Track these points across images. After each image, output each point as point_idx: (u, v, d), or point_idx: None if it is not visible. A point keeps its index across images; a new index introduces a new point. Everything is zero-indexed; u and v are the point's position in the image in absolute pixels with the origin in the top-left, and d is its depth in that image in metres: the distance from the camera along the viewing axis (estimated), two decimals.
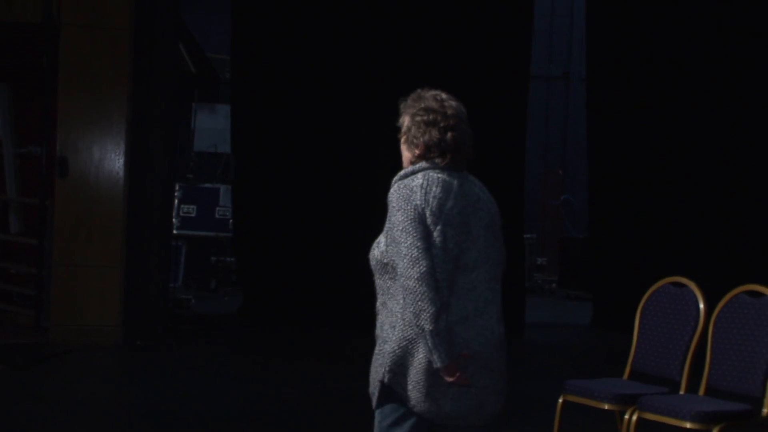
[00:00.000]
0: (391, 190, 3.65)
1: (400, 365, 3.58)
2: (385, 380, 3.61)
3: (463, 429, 3.68)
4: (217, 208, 14.02)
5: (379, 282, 3.72)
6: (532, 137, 13.12)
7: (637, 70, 11.89)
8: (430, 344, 3.48)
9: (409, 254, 3.50)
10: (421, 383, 3.55)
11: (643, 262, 11.38)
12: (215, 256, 14.39)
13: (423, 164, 3.68)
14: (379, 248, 3.69)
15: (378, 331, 3.71)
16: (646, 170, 11.88)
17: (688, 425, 4.92)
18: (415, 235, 3.51)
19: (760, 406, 5.01)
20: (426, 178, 3.62)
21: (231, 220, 13.22)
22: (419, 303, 3.48)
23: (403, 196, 3.59)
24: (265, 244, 11.61)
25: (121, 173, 9.56)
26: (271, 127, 11.58)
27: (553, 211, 18.01)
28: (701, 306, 5.39)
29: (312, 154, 11.50)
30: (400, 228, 3.54)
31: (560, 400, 5.52)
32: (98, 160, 9.54)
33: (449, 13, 11.58)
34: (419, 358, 3.54)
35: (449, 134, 3.71)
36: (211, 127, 15.22)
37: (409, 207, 3.55)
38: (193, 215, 13.96)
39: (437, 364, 3.49)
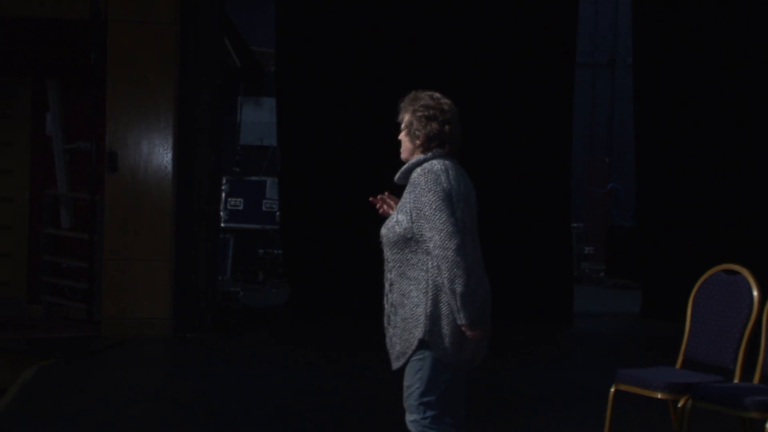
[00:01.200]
0: (415, 175, 4.24)
1: (434, 324, 4.16)
2: (426, 338, 4.16)
3: (464, 371, 4.35)
4: (264, 201, 14.08)
5: (397, 255, 4.29)
6: (577, 125, 13.02)
7: (684, 56, 11.77)
8: (459, 304, 4.09)
9: (446, 229, 4.10)
10: (454, 336, 4.16)
11: (691, 250, 11.27)
12: (262, 249, 14.46)
13: (431, 153, 4.31)
14: (400, 225, 4.25)
15: (396, 299, 4.29)
16: (694, 157, 11.76)
17: (744, 414, 4.87)
18: (447, 212, 4.13)
19: None
20: (443, 164, 4.24)
21: (278, 213, 13.27)
22: (455, 270, 4.08)
23: (431, 179, 4.19)
24: (311, 237, 11.64)
25: (170, 167, 9.63)
26: (316, 119, 11.60)
27: (599, 199, 17.89)
28: (755, 293, 5.33)
29: (357, 145, 11.51)
30: (434, 207, 4.14)
31: (612, 390, 5.48)
32: (147, 155, 9.61)
33: (495, 2, 11.53)
34: (449, 315, 4.15)
35: (447, 127, 4.36)
36: (257, 121, 15.28)
37: (438, 188, 4.15)
38: (240, 208, 14.03)
39: (462, 321, 4.10)
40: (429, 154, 4.32)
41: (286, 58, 11.81)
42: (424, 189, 4.18)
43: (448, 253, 4.10)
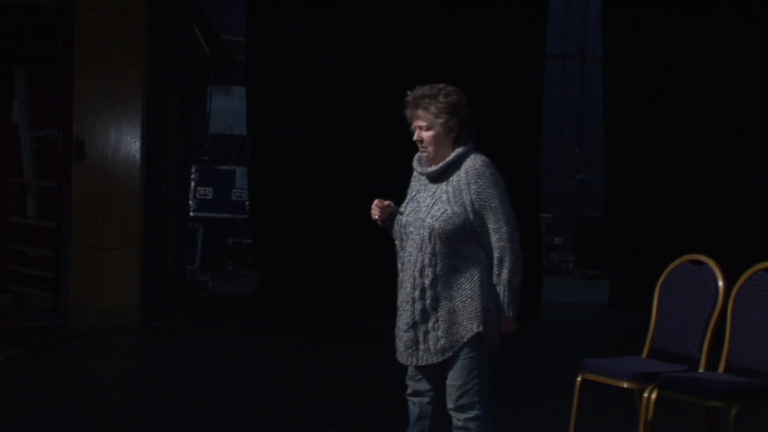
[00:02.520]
0: (476, 166, 4.27)
1: (487, 317, 4.26)
2: (483, 330, 4.24)
3: None
4: (234, 190, 14.04)
5: (448, 248, 4.26)
6: (547, 116, 13.06)
7: (654, 47, 11.82)
8: (511, 297, 4.28)
9: (512, 222, 4.28)
10: (497, 328, 4.32)
11: (659, 241, 11.34)
12: (232, 238, 14.42)
13: (470, 144, 4.35)
14: (459, 218, 4.24)
15: (441, 292, 4.26)
16: (663, 148, 11.82)
17: (710, 403, 4.90)
18: (510, 206, 4.30)
19: None
20: (484, 159, 4.33)
21: (247, 202, 13.24)
22: (517, 263, 4.28)
23: (493, 172, 4.30)
24: (281, 226, 11.62)
25: (138, 156, 9.57)
26: (287, 108, 11.57)
27: (569, 190, 17.96)
28: (720, 283, 5.36)
29: (328, 135, 11.49)
30: (501, 199, 4.27)
31: (579, 379, 5.51)
32: (115, 143, 9.55)
33: None
34: (495, 308, 4.28)
35: (468, 110, 4.39)
36: (227, 109, 15.22)
37: (500, 181, 4.30)
38: (209, 197, 13.99)
39: (511, 314, 4.29)
40: (469, 145, 4.35)
41: (256, 46, 11.77)
42: (490, 181, 4.26)
43: (514, 245, 4.26)
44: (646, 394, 5.17)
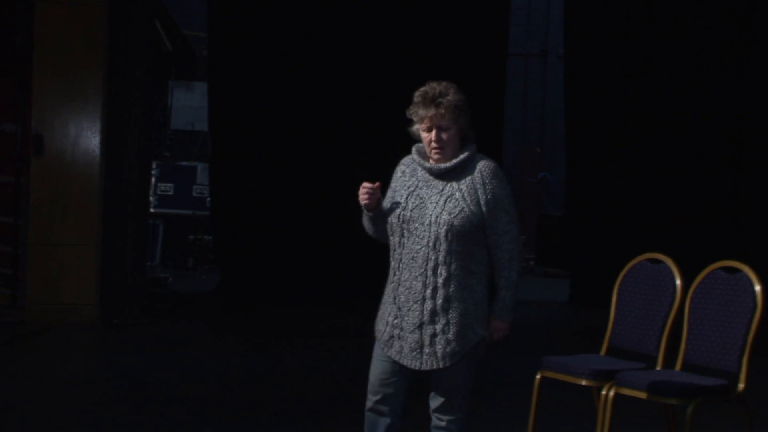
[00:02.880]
0: (490, 167, 4.22)
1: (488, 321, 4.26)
2: (486, 335, 4.24)
3: None
4: (195, 187, 13.95)
5: (462, 248, 4.16)
6: (510, 115, 13.11)
7: (615, 47, 11.90)
8: (513, 300, 4.25)
9: (517, 224, 4.25)
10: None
11: (620, 239, 11.42)
12: (193, 235, 14.33)
13: (473, 146, 4.27)
14: (476, 217, 4.16)
15: (454, 293, 4.15)
16: (624, 148, 11.91)
17: (665, 400, 4.94)
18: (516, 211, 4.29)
19: (736, 381, 5.03)
20: (492, 160, 4.28)
21: (208, 199, 13.17)
22: (521, 267, 4.26)
23: (502, 173, 4.26)
24: (242, 223, 11.58)
25: (97, 151, 9.49)
26: (249, 104, 11.52)
27: (530, 188, 18.03)
28: (678, 282, 5.40)
29: (290, 131, 11.47)
30: (510, 201, 4.25)
31: (538, 377, 5.52)
32: (74, 138, 9.47)
33: None
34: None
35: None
36: (188, 105, 15.13)
37: (509, 185, 4.27)
38: (170, 193, 13.89)
39: (509, 318, 4.26)
40: (473, 147, 4.29)
41: (218, 42, 11.71)
42: (503, 182, 4.23)
43: (519, 247, 4.25)
44: (604, 392, 5.20)
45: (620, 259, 6.14)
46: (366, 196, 4.22)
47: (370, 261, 10.98)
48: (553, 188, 18.26)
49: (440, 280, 4.14)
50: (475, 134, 4.31)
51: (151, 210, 12.91)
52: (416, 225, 4.20)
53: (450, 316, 4.14)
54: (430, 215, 4.17)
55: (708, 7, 11.70)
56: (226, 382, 7.36)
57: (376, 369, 4.38)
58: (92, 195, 9.48)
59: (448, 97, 4.21)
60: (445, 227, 4.14)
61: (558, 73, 15.36)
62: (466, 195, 4.18)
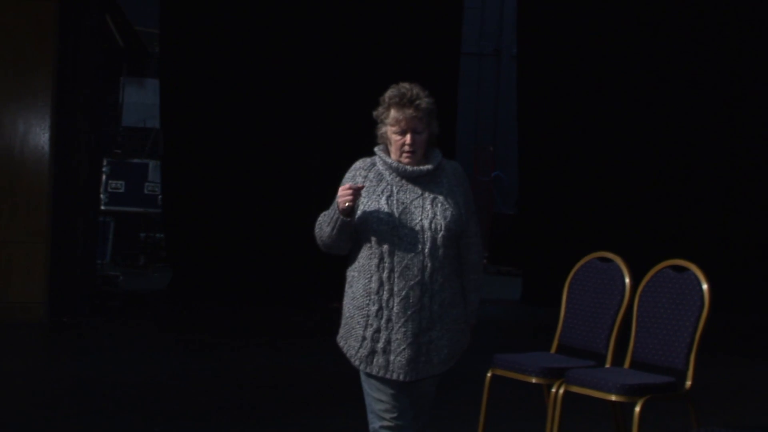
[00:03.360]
0: (459, 171, 4.18)
1: None
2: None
3: None
4: (146, 184, 13.86)
5: (451, 252, 4.07)
6: (463, 114, 13.15)
7: (567, 47, 11.99)
8: (477, 305, 4.24)
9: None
10: None
11: (571, 238, 11.50)
12: (144, 232, 14.24)
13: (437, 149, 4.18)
14: (462, 220, 4.08)
15: (448, 298, 4.04)
16: (575, 147, 12.01)
17: (613, 398, 4.98)
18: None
19: (684, 378, 5.09)
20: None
21: (160, 196, 13.09)
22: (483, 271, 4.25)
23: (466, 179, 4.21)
24: (194, 220, 11.51)
25: (47, 148, 9.39)
26: (201, 101, 11.45)
27: (483, 187, 18.10)
28: (627, 281, 5.45)
29: (242, 128, 11.41)
30: (473, 203, 4.19)
31: (489, 375, 5.55)
32: (23, 135, 9.36)
33: None
34: None
35: None
36: (140, 102, 15.03)
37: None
38: (121, 191, 13.79)
39: (475, 321, 4.26)
40: (438, 150, 4.18)
41: (170, 38, 11.63)
42: (468, 186, 4.19)
43: (481, 251, 4.26)
44: (553, 390, 5.24)
45: (571, 257, 6.18)
46: (350, 197, 3.93)
47: (324, 259, 11.03)
48: (506, 187, 18.36)
49: (436, 287, 3.99)
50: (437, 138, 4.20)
51: (102, 207, 12.80)
52: (407, 231, 3.97)
53: (444, 322, 4.04)
54: (422, 220, 3.98)
55: (658, 6, 11.83)
56: (177, 381, 7.31)
57: (373, 392, 4.09)
58: (42, 192, 9.38)
59: (424, 100, 4.07)
60: (442, 232, 3.99)
61: (511, 72, 15.44)
62: (449, 198, 4.06)
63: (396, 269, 3.96)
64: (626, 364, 5.35)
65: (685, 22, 11.84)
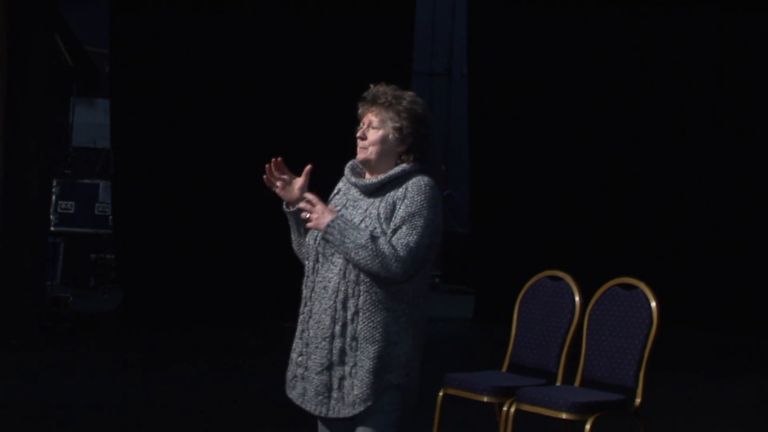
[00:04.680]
0: (421, 183, 3.69)
1: (412, 367, 3.76)
2: (403, 383, 3.70)
3: None
4: (97, 204, 13.74)
5: (372, 278, 3.67)
6: None
7: (518, 66, 12.10)
8: (344, 239, 3.64)
9: (417, 252, 3.60)
10: (418, 377, 3.79)
11: (522, 256, 11.57)
12: (95, 253, 14.10)
13: (416, 165, 3.76)
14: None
15: (362, 331, 3.63)
16: (526, 165, 12.11)
17: (564, 416, 5.02)
18: (431, 240, 3.65)
19: (633, 396, 5.14)
20: (431, 181, 3.75)
21: (111, 217, 12.99)
22: (372, 266, 3.62)
23: (436, 196, 3.71)
24: (145, 241, 11.43)
25: None
26: (152, 121, 11.40)
27: None
28: (577, 299, 5.51)
29: (193, 148, 11.37)
30: (427, 224, 3.63)
31: (440, 394, 5.57)
32: None
33: (331, 9, 11.58)
34: (418, 356, 3.79)
35: (428, 133, 3.84)
36: (90, 122, 14.90)
37: (438, 209, 3.71)
38: (71, 211, 13.66)
39: (328, 230, 3.68)
40: (416, 165, 3.75)
41: (120, 58, 11.56)
42: (427, 201, 3.66)
43: (395, 267, 3.58)
44: (505, 408, 5.27)
45: (523, 275, 6.23)
46: (272, 178, 3.77)
47: (276, 279, 10.99)
48: (457, 205, 18.40)
49: (349, 315, 3.62)
50: (423, 154, 3.82)
51: (52, 228, 12.67)
52: (332, 250, 3.67)
53: (358, 358, 3.60)
54: None
55: (609, 25, 11.99)
56: (127, 403, 7.25)
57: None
58: None
59: (394, 98, 3.74)
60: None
61: (462, 91, 15.49)
62: (382, 215, 3.66)
63: (316, 290, 3.70)
64: (577, 382, 5.40)
65: (642, 40, 12.00)
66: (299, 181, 3.82)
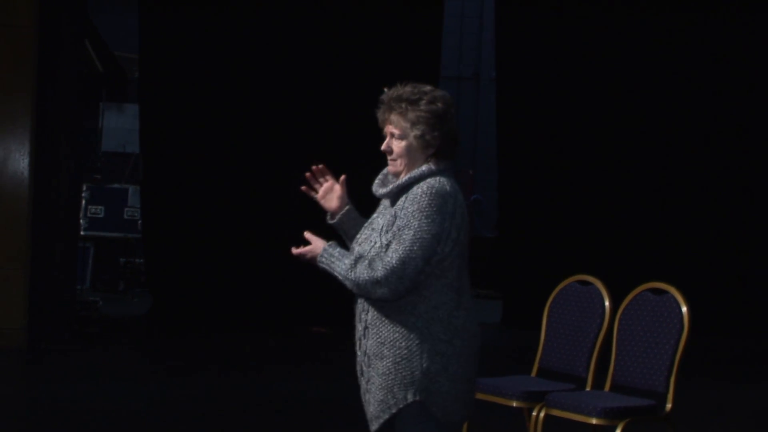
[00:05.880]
0: (420, 191, 3.48)
1: (432, 382, 3.53)
2: (421, 398, 3.51)
3: None
4: (126, 209, 13.82)
5: None
6: None
7: (546, 71, 12.05)
8: (333, 267, 3.55)
9: (406, 266, 3.42)
10: (456, 391, 3.57)
11: (551, 261, 11.51)
12: (124, 258, 14.18)
13: (439, 166, 3.55)
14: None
15: (372, 348, 3.55)
16: (554, 170, 12.05)
17: (594, 421, 4.99)
18: (424, 252, 3.43)
19: (664, 401, 5.10)
20: (450, 184, 3.54)
21: (140, 221, 13.05)
22: (358, 283, 3.49)
23: (435, 204, 3.46)
24: (174, 246, 11.47)
25: (26, 173, 9.36)
26: (180, 126, 11.44)
27: None
28: (606, 303, 5.47)
29: (222, 153, 11.41)
30: (418, 236, 3.43)
31: None
32: (2, 160, 9.33)
33: (360, 14, 11.59)
34: (448, 368, 3.55)
35: (454, 122, 3.61)
36: (119, 127, 15.00)
37: (437, 220, 3.46)
38: (101, 216, 13.74)
39: (324, 261, 3.59)
40: (440, 165, 3.55)
41: (149, 63, 11.63)
42: (425, 210, 3.46)
43: (382, 281, 3.43)
44: (534, 413, 5.24)
45: (552, 280, 6.20)
46: (314, 184, 3.69)
47: (305, 285, 11.01)
48: (485, 210, 18.39)
49: (361, 330, 3.59)
50: (452, 151, 3.63)
51: (82, 233, 12.75)
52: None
53: (371, 374, 3.55)
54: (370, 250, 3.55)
55: (638, 29, 11.92)
56: (156, 408, 7.27)
57: None
58: (21, 218, 9.34)
59: (409, 103, 3.56)
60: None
61: (490, 95, 15.51)
62: (384, 227, 3.54)
63: (356, 298, 3.66)
64: (606, 387, 5.36)
65: (665, 47, 11.92)
66: (338, 191, 3.73)
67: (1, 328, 9.22)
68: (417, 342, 3.47)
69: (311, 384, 8.18)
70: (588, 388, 5.39)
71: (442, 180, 3.53)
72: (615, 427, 4.91)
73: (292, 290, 11.09)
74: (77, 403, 7.28)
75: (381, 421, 3.53)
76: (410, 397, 3.48)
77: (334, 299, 9.95)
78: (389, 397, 3.50)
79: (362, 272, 3.46)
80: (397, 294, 3.45)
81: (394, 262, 3.42)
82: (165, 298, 11.47)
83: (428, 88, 3.61)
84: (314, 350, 10.10)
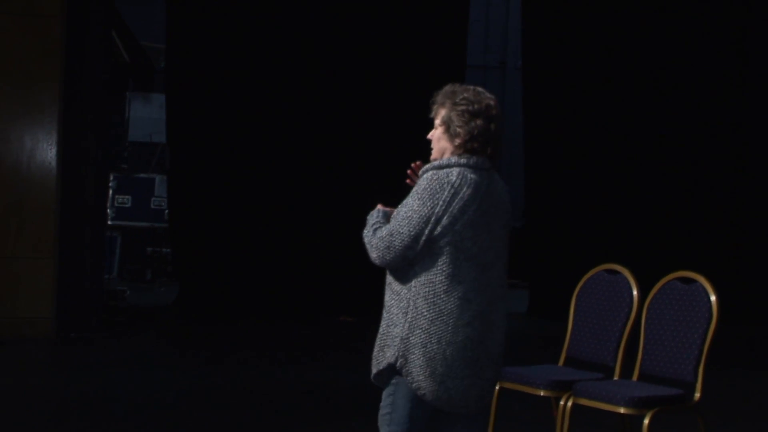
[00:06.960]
0: (423, 177, 3.75)
1: (409, 351, 3.72)
2: (397, 363, 3.74)
3: (462, 415, 3.86)
4: (153, 199, 13.89)
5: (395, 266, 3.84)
6: None
7: (572, 59, 12.00)
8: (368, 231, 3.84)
9: (394, 239, 3.71)
10: (431, 369, 3.70)
11: (578, 250, 11.48)
12: (151, 247, 14.26)
13: (459, 159, 3.75)
14: None
15: (384, 305, 3.84)
16: (581, 159, 12.00)
17: (622, 410, 4.97)
18: (411, 229, 3.68)
19: (692, 390, 5.07)
20: (461, 177, 3.71)
21: (167, 211, 13.11)
22: (372, 246, 3.78)
23: (431, 188, 3.69)
24: (201, 235, 11.52)
25: (54, 163, 9.41)
26: (207, 116, 11.48)
27: None
28: (634, 293, 5.44)
29: (249, 142, 11.43)
30: (408, 215, 3.70)
31: (497, 387, 5.53)
32: (30, 150, 9.38)
33: (386, 3, 11.58)
34: (426, 344, 3.70)
35: (492, 125, 3.80)
36: (146, 117, 15.06)
37: (428, 203, 3.68)
38: (128, 206, 13.82)
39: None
40: (453, 160, 3.75)
41: (176, 53, 11.67)
42: (417, 194, 3.71)
43: (376, 243, 3.75)
44: (562, 402, 5.23)
45: (579, 269, 6.17)
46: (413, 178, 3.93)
47: (333, 273, 11.03)
48: (512, 199, 18.33)
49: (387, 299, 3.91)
50: (482, 149, 3.78)
51: (109, 222, 12.83)
52: None
53: (379, 332, 3.85)
54: None
55: (665, 17, 11.84)
56: (184, 397, 7.30)
57: None
58: (49, 207, 9.40)
59: (448, 96, 3.82)
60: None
61: (516, 84, 15.42)
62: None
63: None
64: (635, 377, 5.33)
65: (692, 34, 11.84)
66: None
67: (30, 318, 9.30)
68: (403, 311, 3.74)
69: (339, 373, 8.19)
70: (616, 378, 5.37)
71: (453, 171, 3.73)
72: (643, 417, 4.88)
73: (319, 279, 11.12)
74: (105, 392, 7.32)
75: (373, 372, 3.82)
76: (391, 359, 3.74)
77: (362, 289, 10.07)
78: (380, 354, 3.81)
79: (368, 235, 3.83)
80: (384, 261, 3.77)
81: (384, 232, 3.77)
82: (192, 287, 11.53)
83: (480, 89, 3.86)
84: (342, 339, 10.12)
